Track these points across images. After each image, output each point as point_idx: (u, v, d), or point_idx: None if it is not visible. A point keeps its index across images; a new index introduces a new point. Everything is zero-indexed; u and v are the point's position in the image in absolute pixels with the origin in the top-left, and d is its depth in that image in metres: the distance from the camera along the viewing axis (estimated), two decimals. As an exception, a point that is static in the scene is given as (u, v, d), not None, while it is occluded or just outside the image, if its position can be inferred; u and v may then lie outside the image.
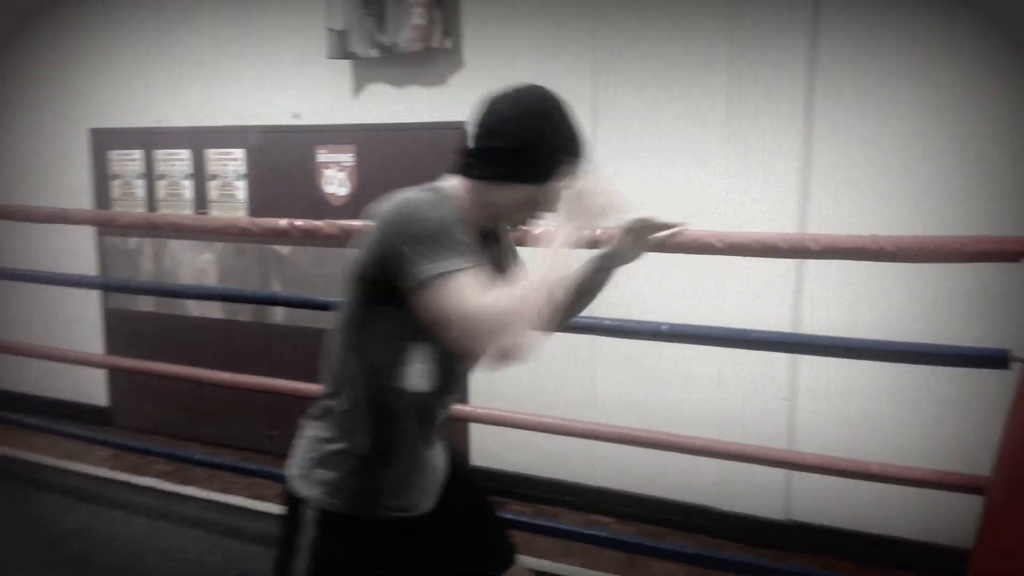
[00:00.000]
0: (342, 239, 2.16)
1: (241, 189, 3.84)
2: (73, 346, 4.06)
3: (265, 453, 3.95)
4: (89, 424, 4.32)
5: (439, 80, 3.33)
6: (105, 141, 4.21)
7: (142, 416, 4.33)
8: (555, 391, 3.28)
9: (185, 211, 4.00)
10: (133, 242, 4.20)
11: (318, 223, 2.28)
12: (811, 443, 2.87)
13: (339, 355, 1.34)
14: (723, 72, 2.86)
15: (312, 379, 2.35)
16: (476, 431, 3.49)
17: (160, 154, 4.05)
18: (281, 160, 3.75)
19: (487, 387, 3.41)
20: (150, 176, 4.11)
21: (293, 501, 1.36)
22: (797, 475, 2.91)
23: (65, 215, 3.04)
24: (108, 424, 4.41)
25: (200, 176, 3.98)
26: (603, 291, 1.56)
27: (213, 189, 3.93)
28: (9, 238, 4.09)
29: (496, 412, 2.56)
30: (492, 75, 3.23)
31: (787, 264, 2.81)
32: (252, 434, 4.00)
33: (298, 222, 2.31)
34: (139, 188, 4.13)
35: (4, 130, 4.45)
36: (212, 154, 3.91)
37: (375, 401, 1.32)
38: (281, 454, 4.02)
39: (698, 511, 3.12)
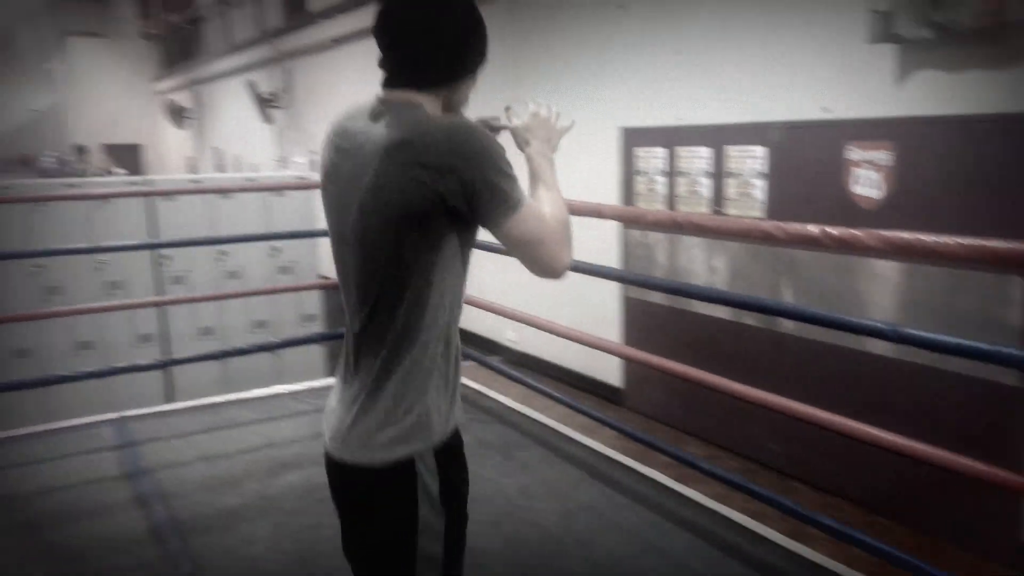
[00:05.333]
0: (882, 252, 1.93)
1: (759, 188, 3.62)
2: (596, 327, 4.35)
3: (764, 466, 3.73)
4: (602, 400, 4.68)
5: (1011, 62, 2.57)
6: (633, 139, 4.31)
7: (650, 402, 4.45)
8: None
9: (702, 209, 3.90)
10: (652, 236, 4.34)
11: (856, 232, 1.91)
12: None
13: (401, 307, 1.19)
14: None
15: (821, 401, 2.17)
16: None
17: (681, 151, 4.00)
18: (805, 158, 3.40)
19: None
20: (671, 173, 4.13)
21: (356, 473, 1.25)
22: None
23: (599, 210, 3.19)
24: (619, 404, 4.63)
25: (718, 174, 3.83)
26: None
27: (730, 187, 3.77)
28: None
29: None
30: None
31: None
32: (752, 442, 3.80)
33: (832, 230, 1.96)
34: (661, 185, 4.20)
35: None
36: (732, 151, 3.75)
37: (433, 339, 1.23)
38: (782, 471, 3.83)
39: None
